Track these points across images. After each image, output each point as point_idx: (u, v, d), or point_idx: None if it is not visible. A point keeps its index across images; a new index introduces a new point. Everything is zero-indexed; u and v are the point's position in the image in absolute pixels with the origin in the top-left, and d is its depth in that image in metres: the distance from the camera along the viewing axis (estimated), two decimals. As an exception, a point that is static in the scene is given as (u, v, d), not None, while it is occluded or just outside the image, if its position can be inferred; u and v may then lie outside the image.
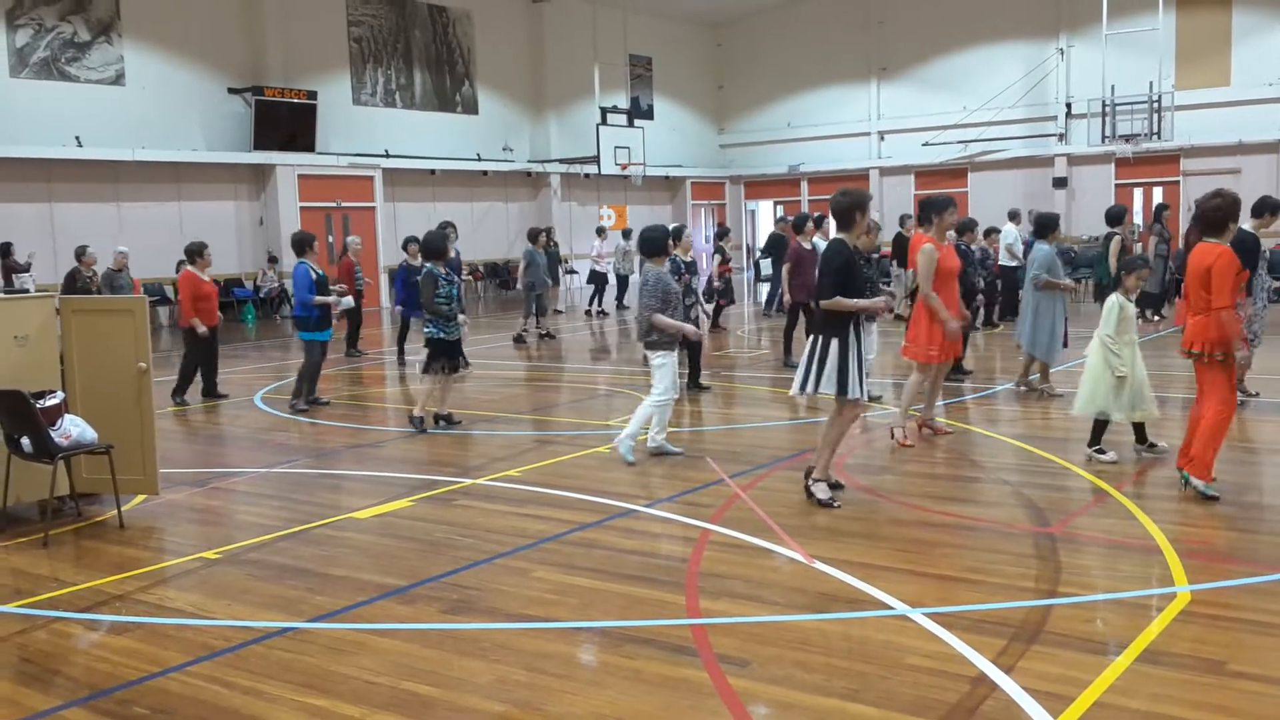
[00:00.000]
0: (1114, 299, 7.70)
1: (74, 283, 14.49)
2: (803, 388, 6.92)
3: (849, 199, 6.93)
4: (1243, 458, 7.93)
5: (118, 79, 21.72)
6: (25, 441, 6.77)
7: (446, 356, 9.98)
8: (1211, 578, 5.27)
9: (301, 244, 11.30)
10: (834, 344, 6.78)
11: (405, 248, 15.45)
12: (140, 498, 7.52)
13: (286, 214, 23.93)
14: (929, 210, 8.73)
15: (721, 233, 19.15)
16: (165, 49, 22.35)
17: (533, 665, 4.51)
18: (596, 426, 9.96)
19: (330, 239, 25.03)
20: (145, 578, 5.93)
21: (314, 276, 11.16)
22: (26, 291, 13.96)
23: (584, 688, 4.30)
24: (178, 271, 13.13)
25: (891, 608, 5.01)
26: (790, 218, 15.82)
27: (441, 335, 9.92)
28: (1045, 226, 10.20)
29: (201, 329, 11.76)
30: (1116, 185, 28.43)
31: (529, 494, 7.46)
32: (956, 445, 8.62)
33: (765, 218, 36.39)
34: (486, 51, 28.94)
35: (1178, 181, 27.52)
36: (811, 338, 6.99)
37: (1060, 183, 29.04)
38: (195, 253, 11.88)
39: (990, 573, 5.49)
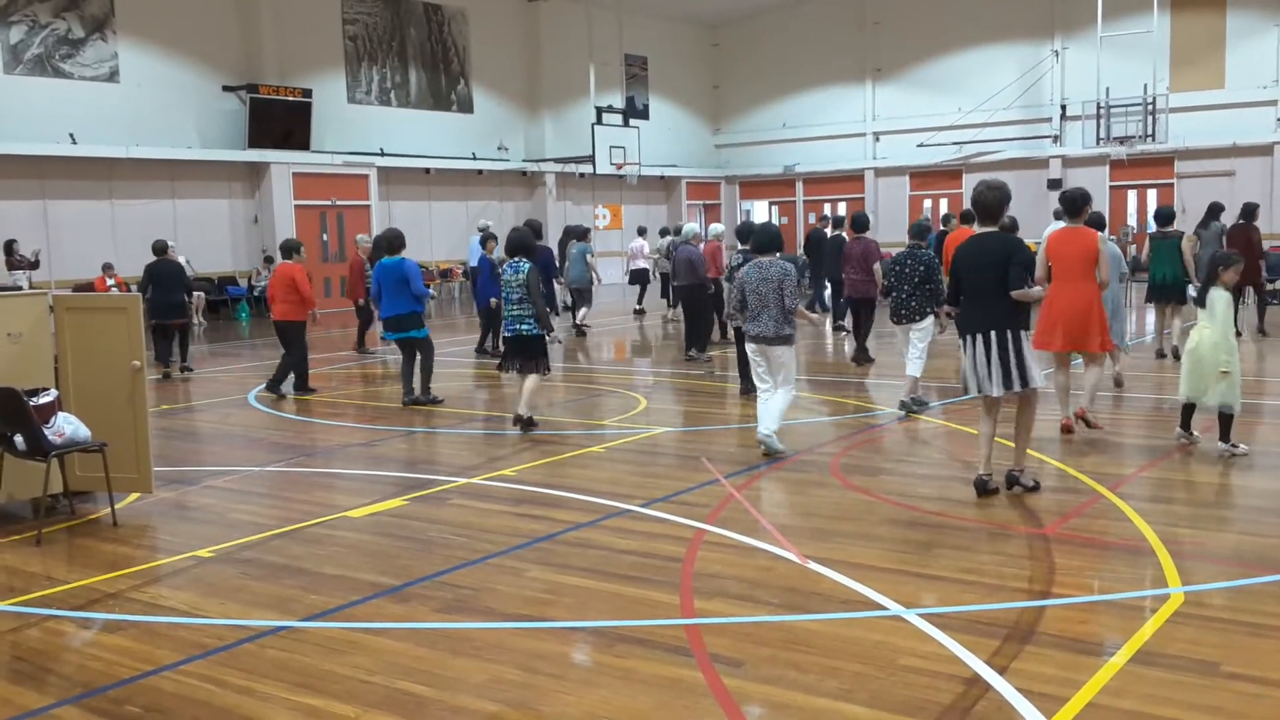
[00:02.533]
0: (1219, 294, 7.85)
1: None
2: (1008, 386, 6.79)
3: (999, 193, 6.94)
4: (1240, 460, 7.94)
5: (112, 76, 21.67)
6: (18, 439, 6.76)
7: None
8: (1205, 579, 5.28)
9: (394, 242, 11.65)
10: (1023, 335, 6.85)
11: (484, 244, 15.25)
12: (134, 496, 7.50)
13: (281, 212, 23.90)
14: (1082, 203, 8.65)
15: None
16: (160, 46, 22.32)
17: (527, 665, 4.51)
18: (592, 426, 9.96)
19: (324, 238, 25.01)
20: (138, 576, 5.92)
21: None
22: (20, 289, 13.88)
23: (578, 688, 4.30)
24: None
25: (885, 608, 5.01)
26: (846, 216, 16.51)
27: (540, 334, 9.58)
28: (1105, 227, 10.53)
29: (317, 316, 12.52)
30: (1111, 187, 28.49)
31: (524, 493, 7.45)
32: (952, 446, 8.63)
33: (760, 218, 36.42)
34: (482, 50, 28.92)
35: (1172, 184, 27.60)
36: (981, 335, 6.82)
37: (1055, 184, 29.06)
38: (294, 249, 12.58)
39: (984, 573, 5.49)
